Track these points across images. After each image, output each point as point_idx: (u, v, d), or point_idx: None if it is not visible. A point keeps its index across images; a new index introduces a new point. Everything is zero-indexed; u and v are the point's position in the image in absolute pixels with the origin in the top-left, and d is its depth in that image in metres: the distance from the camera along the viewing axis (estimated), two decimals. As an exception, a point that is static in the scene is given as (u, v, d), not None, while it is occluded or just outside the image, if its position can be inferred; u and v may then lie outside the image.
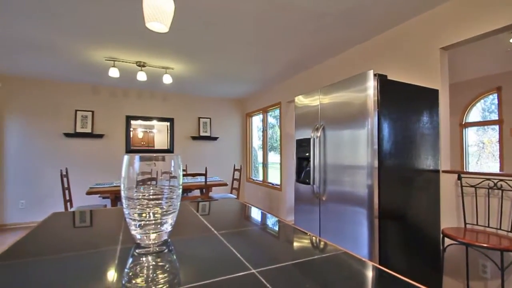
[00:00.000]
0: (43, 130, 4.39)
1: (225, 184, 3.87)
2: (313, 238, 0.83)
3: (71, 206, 3.39)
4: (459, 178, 2.04)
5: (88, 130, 4.61)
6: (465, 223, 1.99)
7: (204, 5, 2.19)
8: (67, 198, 3.29)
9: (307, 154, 2.34)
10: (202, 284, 0.53)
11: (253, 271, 0.58)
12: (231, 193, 4.52)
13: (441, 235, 2.08)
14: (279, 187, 4.65)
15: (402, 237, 1.87)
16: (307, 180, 2.33)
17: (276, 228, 0.96)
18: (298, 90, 4.09)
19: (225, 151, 5.87)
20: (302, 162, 2.46)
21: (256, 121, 5.91)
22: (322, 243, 0.78)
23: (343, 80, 1.99)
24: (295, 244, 0.80)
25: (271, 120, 5.38)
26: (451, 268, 2.17)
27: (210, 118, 5.67)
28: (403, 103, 1.90)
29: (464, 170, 4.39)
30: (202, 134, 5.55)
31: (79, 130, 4.55)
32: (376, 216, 1.74)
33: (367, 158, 1.76)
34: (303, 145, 2.41)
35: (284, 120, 4.51)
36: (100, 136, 4.71)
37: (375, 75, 1.77)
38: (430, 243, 2.03)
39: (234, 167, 4.67)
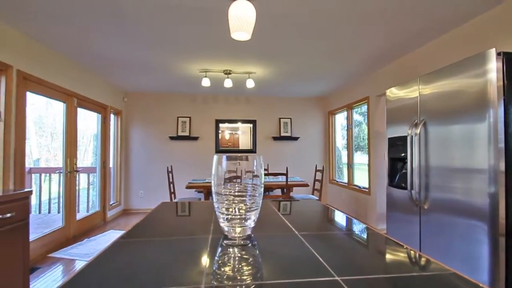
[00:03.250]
0: (154, 134, 5.37)
1: (306, 185, 3.81)
2: (411, 252, 0.71)
3: (175, 197, 4.01)
4: None
5: (187, 133, 5.37)
6: None
7: (282, 7, 2.21)
8: (172, 190, 3.90)
9: (403, 154, 2.05)
10: (284, 282, 0.53)
11: (337, 278, 0.54)
12: (312, 194, 4.41)
13: None
14: (367, 190, 4.25)
15: (547, 266, 1.40)
16: (403, 185, 2.04)
17: (364, 236, 0.87)
18: (390, 81, 3.64)
19: (306, 151, 5.78)
20: (396, 164, 2.17)
21: (340, 118, 5.58)
22: (423, 259, 0.67)
23: (451, 64, 1.65)
24: (388, 256, 0.70)
25: (357, 117, 4.97)
26: None
27: (290, 118, 5.70)
28: (546, 86, 1.43)
29: None
30: (282, 134, 5.63)
31: (180, 133, 5.35)
32: (503, 234, 1.37)
33: (489, 159, 1.40)
34: (397, 144, 2.13)
35: (372, 116, 4.10)
36: (196, 138, 5.41)
37: (498, 54, 1.40)
38: None
39: (316, 167, 4.54)
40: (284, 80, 4.45)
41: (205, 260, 0.64)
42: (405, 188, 2.00)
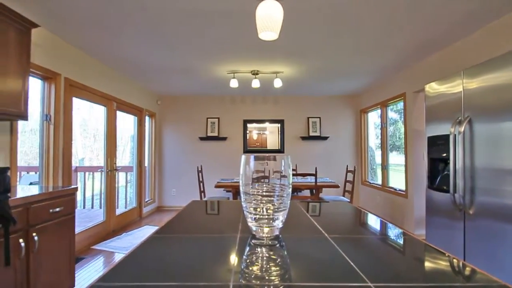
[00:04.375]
0: (185, 135, 5.57)
1: (337, 186, 3.69)
2: (454, 260, 0.65)
3: (204, 196, 4.13)
4: None
5: (215, 134, 5.50)
6: None
7: (310, 2, 2.16)
8: (201, 189, 4.02)
9: (444, 154, 1.89)
10: (313, 285, 0.51)
11: (370, 284, 0.51)
12: (343, 195, 4.26)
13: None
14: (403, 193, 4.00)
15: None
16: (445, 187, 1.88)
17: (400, 241, 0.81)
18: (428, 76, 3.39)
19: (337, 151, 5.60)
20: (437, 165, 2.01)
21: (373, 117, 5.32)
22: (467, 268, 0.60)
23: (500, 56, 1.49)
24: (427, 264, 0.65)
25: (392, 115, 4.70)
26: None
27: (319, 118, 5.57)
28: None
29: None
30: (311, 134, 5.52)
31: (209, 134, 5.49)
32: None
33: (547, 160, 1.24)
34: (438, 144, 1.97)
35: (409, 114, 3.85)
36: (224, 138, 5.52)
37: (560, 40, 1.23)
38: None
39: (347, 168, 4.37)
40: (312, 78, 4.35)
41: (233, 259, 0.65)
42: (447, 191, 1.84)
